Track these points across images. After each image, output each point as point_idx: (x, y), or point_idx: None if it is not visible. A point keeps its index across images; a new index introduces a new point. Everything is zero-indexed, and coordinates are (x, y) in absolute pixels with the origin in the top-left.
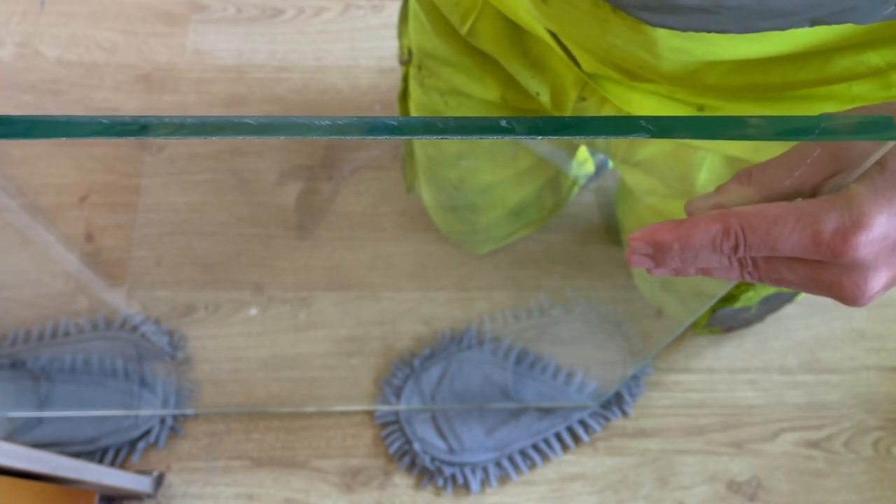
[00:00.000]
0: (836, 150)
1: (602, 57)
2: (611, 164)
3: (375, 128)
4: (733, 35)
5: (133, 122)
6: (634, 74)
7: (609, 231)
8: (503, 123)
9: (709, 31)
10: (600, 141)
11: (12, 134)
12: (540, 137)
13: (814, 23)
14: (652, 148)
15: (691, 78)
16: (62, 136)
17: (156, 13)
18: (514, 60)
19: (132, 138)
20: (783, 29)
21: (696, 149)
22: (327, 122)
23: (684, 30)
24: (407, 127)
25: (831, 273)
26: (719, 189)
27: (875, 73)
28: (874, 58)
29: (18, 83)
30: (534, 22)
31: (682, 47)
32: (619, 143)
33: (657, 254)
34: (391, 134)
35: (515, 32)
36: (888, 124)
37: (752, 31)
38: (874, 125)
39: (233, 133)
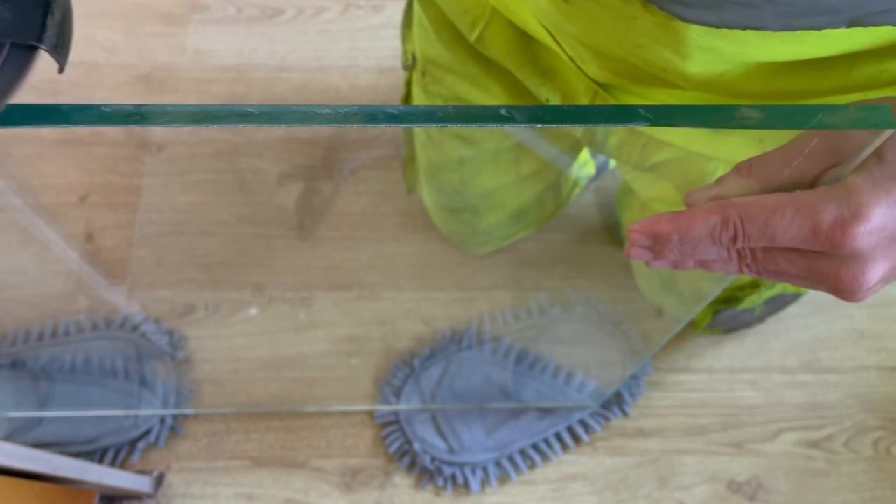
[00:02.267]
0: (835, 142)
1: (621, 59)
2: (611, 164)
3: (376, 116)
4: (767, 35)
5: (135, 111)
6: (653, 79)
7: (609, 231)
8: (503, 112)
9: (745, 29)
10: (612, 146)
11: (14, 122)
12: (539, 126)
13: (851, 23)
14: (665, 153)
15: (715, 82)
16: (63, 123)
17: (156, 13)
18: (524, 68)
19: (134, 127)
20: (820, 29)
21: (707, 158)
22: (328, 111)
23: (719, 26)
24: (407, 115)
25: (829, 264)
26: (719, 181)
27: (895, 83)
28: None
29: None
30: (541, 30)
31: (712, 47)
32: (633, 147)
33: (656, 245)
34: (392, 122)
35: (524, 40)
36: (886, 114)
37: (789, 30)
38: (872, 115)
39: (234, 121)
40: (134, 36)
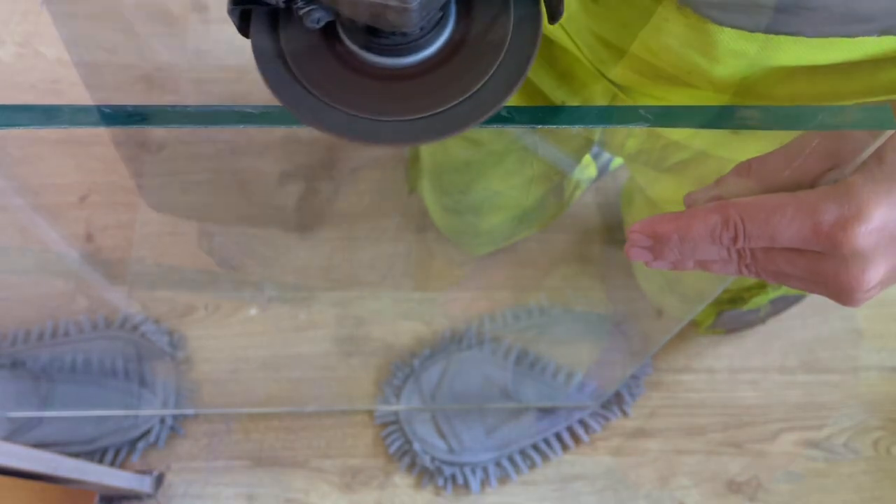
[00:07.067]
0: (835, 144)
1: (646, 60)
2: (612, 165)
3: None
4: (799, 40)
5: (135, 111)
6: (676, 80)
7: (610, 231)
8: (503, 113)
9: (779, 34)
10: (631, 147)
11: (14, 122)
12: (540, 126)
13: (883, 32)
14: (684, 154)
15: (739, 85)
16: (64, 124)
17: (156, 13)
18: (540, 70)
19: (134, 127)
20: (854, 36)
21: (728, 161)
22: None
23: (754, 31)
24: None
25: (829, 265)
26: (718, 181)
27: None
28: None
29: (18, 83)
30: (560, 32)
31: (742, 51)
32: (653, 147)
33: (656, 245)
34: None
35: (542, 42)
36: (886, 114)
37: (823, 36)
38: (872, 115)
39: (234, 122)
40: (134, 36)
